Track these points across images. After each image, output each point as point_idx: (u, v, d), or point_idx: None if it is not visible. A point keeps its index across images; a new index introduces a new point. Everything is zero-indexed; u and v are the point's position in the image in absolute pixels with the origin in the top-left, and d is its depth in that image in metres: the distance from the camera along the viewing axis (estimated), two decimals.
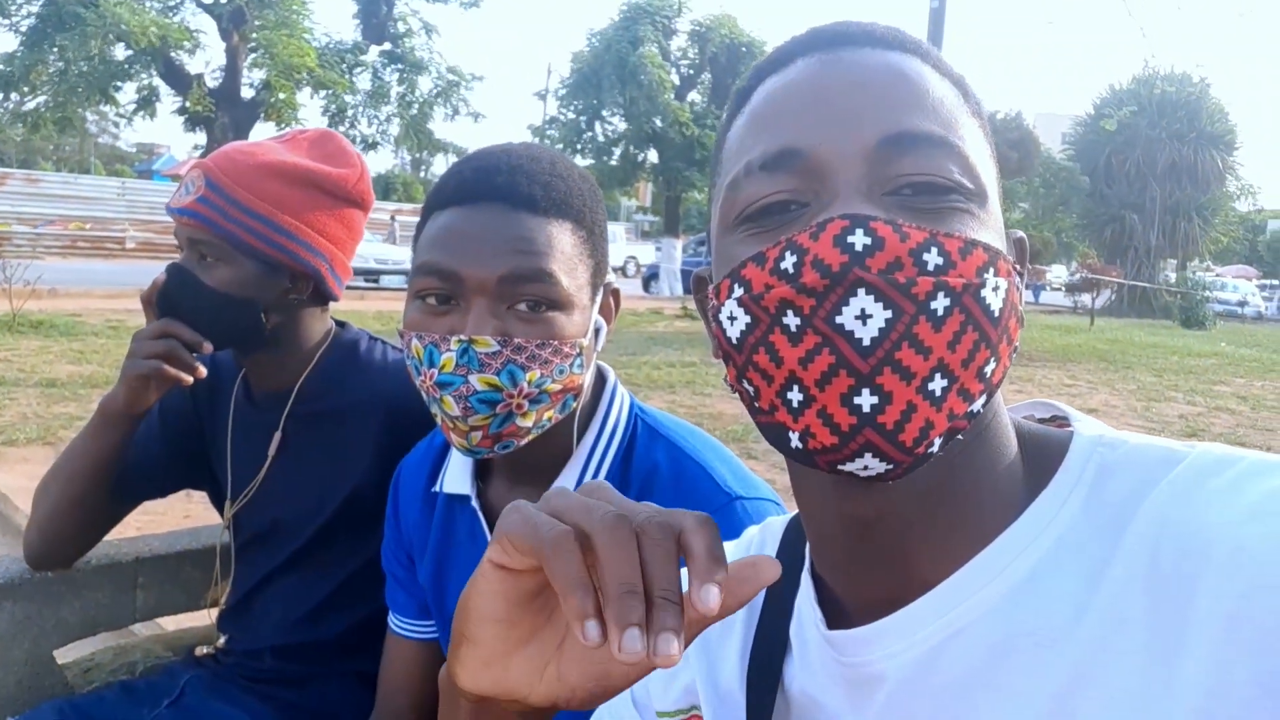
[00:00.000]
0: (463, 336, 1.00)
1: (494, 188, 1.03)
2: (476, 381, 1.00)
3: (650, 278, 25.53)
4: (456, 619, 0.57)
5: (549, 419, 1.07)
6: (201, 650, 1.64)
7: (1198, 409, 9.75)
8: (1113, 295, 27.39)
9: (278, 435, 1.47)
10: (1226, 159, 30.88)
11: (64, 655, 1.61)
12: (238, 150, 1.39)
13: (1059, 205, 28.64)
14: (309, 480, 1.47)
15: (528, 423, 1.04)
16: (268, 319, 1.39)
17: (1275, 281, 40.09)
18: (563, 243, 1.04)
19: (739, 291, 0.56)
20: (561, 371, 1.04)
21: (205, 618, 1.86)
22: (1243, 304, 31.70)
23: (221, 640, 1.61)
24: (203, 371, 1.35)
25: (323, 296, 1.46)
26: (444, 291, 1.03)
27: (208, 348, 1.35)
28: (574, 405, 1.10)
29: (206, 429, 1.57)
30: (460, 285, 1.01)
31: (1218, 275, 31.04)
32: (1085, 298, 22.69)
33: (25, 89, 14.20)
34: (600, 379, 1.20)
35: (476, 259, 1.01)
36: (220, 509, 1.59)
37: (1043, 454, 0.61)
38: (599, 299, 1.11)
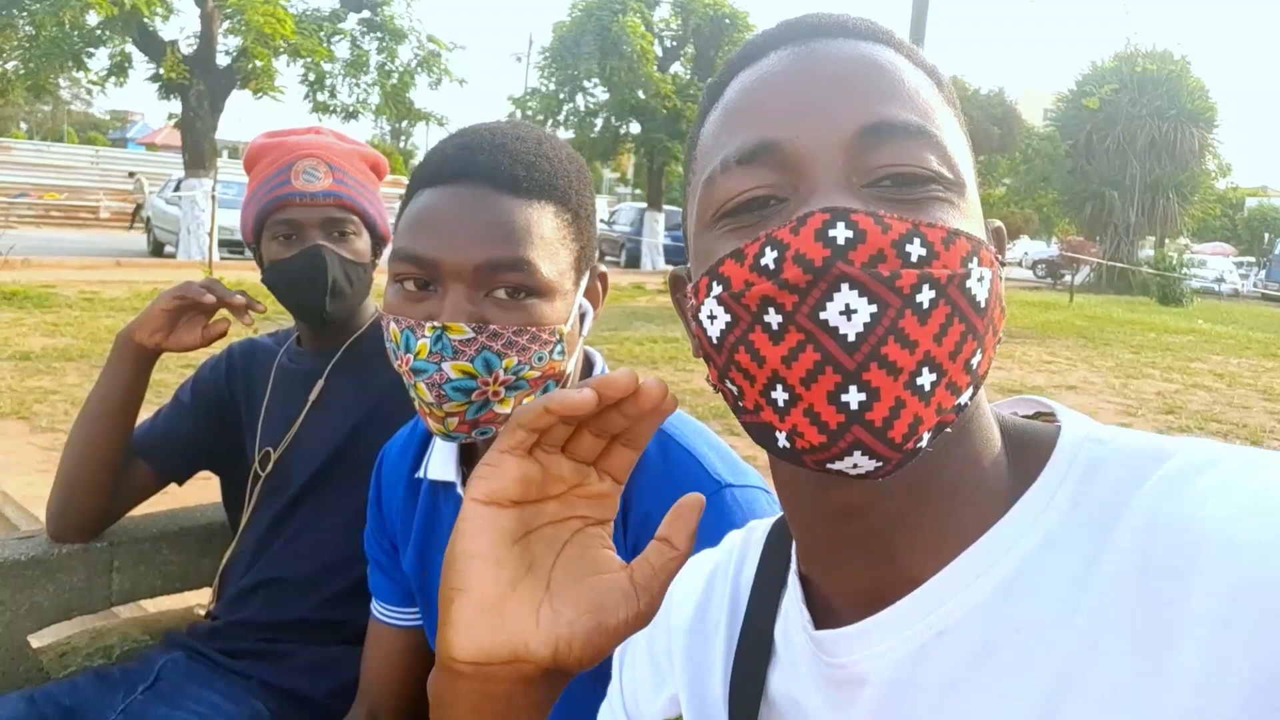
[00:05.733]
0: (437, 323, 0.98)
1: (475, 165, 1.01)
2: (450, 369, 0.98)
3: None
4: (443, 582, 0.55)
5: None
6: (198, 611, 1.72)
7: (1175, 386, 9.86)
8: (1091, 272, 27.54)
9: (320, 383, 1.56)
10: (1206, 136, 30.97)
11: (39, 639, 1.59)
12: (319, 137, 1.56)
13: (1040, 182, 28.73)
14: (337, 422, 1.54)
15: (505, 410, 1.02)
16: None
17: (1252, 259, 40.43)
18: (544, 227, 1.01)
19: (718, 289, 0.55)
20: (540, 358, 1.01)
21: (182, 600, 1.83)
22: (1219, 281, 32.01)
23: (214, 605, 1.62)
24: (251, 317, 1.50)
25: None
26: (422, 277, 1.01)
27: (256, 309, 1.51)
28: None
29: (241, 402, 1.65)
30: (437, 271, 0.99)
31: (1196, 253, 31.23)
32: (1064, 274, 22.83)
33: None
34: (588, 364, 1.17)
35: (454, 245, 0.98)
36: (236, 488, 1.64)
37: (1029, 448, 0.60)
38: (584, 283, 1.09)
